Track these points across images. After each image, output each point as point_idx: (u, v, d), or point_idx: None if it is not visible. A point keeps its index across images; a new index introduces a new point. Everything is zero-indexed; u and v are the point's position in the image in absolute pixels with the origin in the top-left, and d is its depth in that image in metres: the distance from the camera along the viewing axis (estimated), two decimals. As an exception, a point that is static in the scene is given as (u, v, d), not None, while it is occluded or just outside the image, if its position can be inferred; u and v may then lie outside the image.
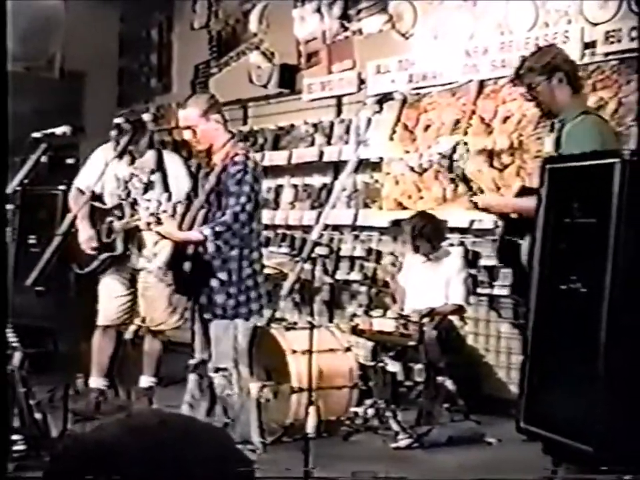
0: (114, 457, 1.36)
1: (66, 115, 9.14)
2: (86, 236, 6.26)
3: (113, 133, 5.25)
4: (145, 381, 6.60)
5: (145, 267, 6.37)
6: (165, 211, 4.82)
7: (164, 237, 5.09)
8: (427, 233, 6.86)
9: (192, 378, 5.25)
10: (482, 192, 6.43)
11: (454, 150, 5.78)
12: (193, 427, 1.51)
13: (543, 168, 4.07)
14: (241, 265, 4.99)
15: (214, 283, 4.96)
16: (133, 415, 1.54)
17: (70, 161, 8.64)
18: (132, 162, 6.43)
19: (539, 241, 3.97)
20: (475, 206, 4.93)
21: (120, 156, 6.34)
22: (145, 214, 4.81)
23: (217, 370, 5.03)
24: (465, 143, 7.34)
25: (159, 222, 4.82)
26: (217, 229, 4.87)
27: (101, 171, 5.40)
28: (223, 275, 4.97)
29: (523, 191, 4.83)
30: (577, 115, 4.51)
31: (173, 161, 6.51)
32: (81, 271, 6.36)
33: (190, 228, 5.03)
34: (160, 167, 6.37)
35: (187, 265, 4.95)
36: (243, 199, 4.92)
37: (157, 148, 6.55)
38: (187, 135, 5.20)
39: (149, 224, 4.73)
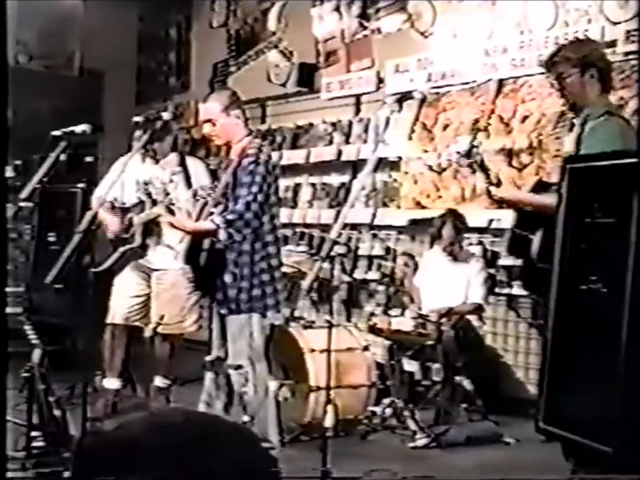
0: (139, 454, 1.36)
1: (85, 113, 9.15)
2: (109, 222, 6.27)
3: (137, 133, 5.26)
4: (159, 381, 6.62)
5: (163, 268, 6.40)
6: (179, 207, 4.84)
7: (176, 228, 5.11)
8: (459, 229, 6.88)
9: (209, 376, 5.25)
10: (499, 183, 6.43)
11: (474, 138, 5.77)
12: (218, 424, 1.51)
13: (564, 167, 4.05)
14: (252, 258, 4.98)
15: (227, 277, 4.96)
16: (156, 412, 1.54)
17: (89, 159, 8.64)
18: (155, 163, 6.47)
19: (559, 241, 3.95)
20: (490, 196, 4.92)
21: (143, 158, 6.38)
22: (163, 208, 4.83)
23: (234, 367, 5.03)
24: (485, 129, 7.35)
25: (171, 212, 4.82)
26: (229, 217, 4.86)
27: (120, 172, 5.41)
28: (235, 269, 4.97)
29: (539, 186, 4.80)
30: (601, 114, 4.48)
31: (194, 164, 6.55)
32: (96, 268, 6.38)
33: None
34: (183, 168, 6.39)
35: (202, 259, 4.96)
36: (254, 189, 4.92)
37: (180, 151, 6.59)
38: (207, 128, 5.21)
39: (129, 227, 4.75)
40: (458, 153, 5.34)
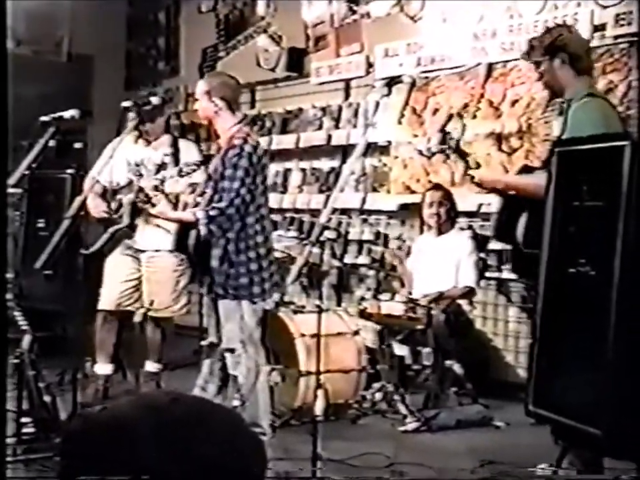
0: (127, 434, 1.37)
1: (74, 98, 9.13)
2: (95, 204, 6.25)
3: (131, 115, 5.25)
4: (150, 366, 6.62)
5: (151, 249, 6.39)
6: (163, 191, 4.86)
7: (157, 217, 5.13)
8: (445, 205, 6.88)
9: (206, 362, 5.26)
10: (479, 166, 6.43)
11: (445, 123, 5.76)
12: (205, 406, 1.52)
13: (552, 151, 4.06)
14: (238, 247, 5.00)
15: (214, 262, 4.99)
16: (144, 394, 1.55)
17: (78, 145, 8.63)
18: (147, 144, 6.45)
19: (547, 225, 3.95)
20: (471, 180, 4.93)
21: (135, 139, 6.37)
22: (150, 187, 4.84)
23: (227, 351, 5.05)
24: (460, 116, 7.35)
25: (151, 203, 4.84)
26: (211, 212, 4.89)
27: (110, 155, 5.41)
28: (222, 255, 4.99)
29: (524, 170, 4.82)
30: (582, 97, 4.50)
31: (187, 146, 6.53)
32: (86, 250, 6.36)
33: (194, 208, 5.05)
34: (174, 150, 6.38)
35: (190, 245, 4.98)
36: (236, 184, 4.93)
37: (172, 133, 6.57)
38: (196, 105, 5.26)
39: (119, 209, 4.75)
40: (440, 143, 5.37)
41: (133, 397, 1.51)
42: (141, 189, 5.66)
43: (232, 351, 5.00)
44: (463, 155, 5.20)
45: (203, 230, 4.89)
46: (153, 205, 5.48)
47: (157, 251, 6.39)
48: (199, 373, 5.30)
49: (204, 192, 5.09)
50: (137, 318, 6.65)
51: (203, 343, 5.25)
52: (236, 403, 4.92)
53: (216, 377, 5.22)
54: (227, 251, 4.99)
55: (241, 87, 5.39)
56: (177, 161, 6.23)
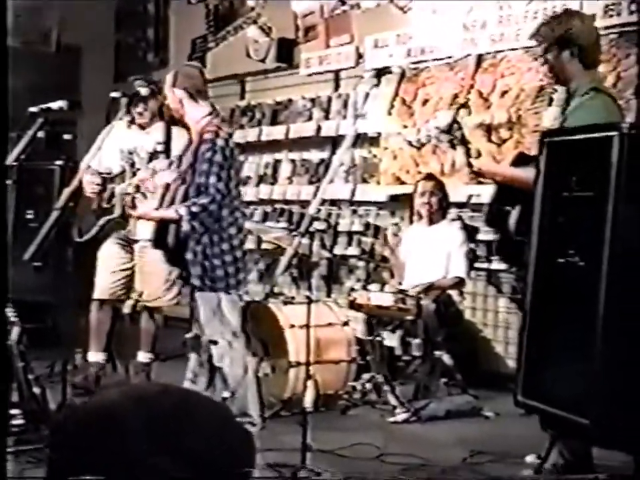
0: (115, 424, 1.37)
1: (63, 89, 9.10)
2: (89, 180, 6.21)
3: (123, 100, 5.23)
4: (143, 356, 6.62)
5: (144, 239, 6.37)
6: (146, 188, 4.85)
7: (141, 218, 5.14)
8: (437, 195, 6.88)
9: (192, 356, 5.26)
10: (479, 157, 6.43)
11: (456, 113, 5.73)
12: (193, 397, 1.52)
13: (542, 141, 4.06)
14: (213, 239, 5.01)
15: (189, 255, 4.99)
16: (133, 385, 1.55)
17: (67, 136, 8.61)
18: (140, 129, 6.43)
19: (537, 215, 3.97)
20: (470, 168, 4.94)
21: (128, 124, 6.34)
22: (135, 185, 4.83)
23: (210, 343, 5.06)
24: (465, 106, 7.34)
25: (132, 205, 4.82)
26: (193, 209, 4.89)
27: (102, 141, 5.38)
28: (197, 247, 5.00)
29: (520, 159, 4.81)
30: (586, 91, 4.48)
31: (179, 136, 6.50)
32: (80, 238, 6.35)
33: (172, 204, 5.04)
34: (167, 139, 6.35)
35: (170, 239, 4.97)
36: (212, 180, 4.94)
37: (167, 120, 6.54)
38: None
39: (111, 198, 4.74)
40: (437, 128, 5.35)
41: (122, 388, 1.50)
42: (127, 194, 5.66)
43: (214, 342, 5.01)
44: (466, 144, 5.19)
45: (185, 226, 4.89)
46: (134, 207, 5.48)
47: (149, 240, 6.38)
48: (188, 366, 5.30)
49: (181, 185, 5.07)
50: (126, 309, 6.64)
51: (188, 335, 5.24)
52: (225, 394, 4.92)
53: (205, 370, 5.21)
54: (202, 244, 5.00)
55: (205, 77, 5.34)
56: (168, 150, 6.21)
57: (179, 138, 6.39)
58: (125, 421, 1.40)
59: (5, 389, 3.70)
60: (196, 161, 5.01)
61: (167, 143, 6.29)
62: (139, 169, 6.09)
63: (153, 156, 6.18)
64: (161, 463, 1.38)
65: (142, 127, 6.46)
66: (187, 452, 1.40)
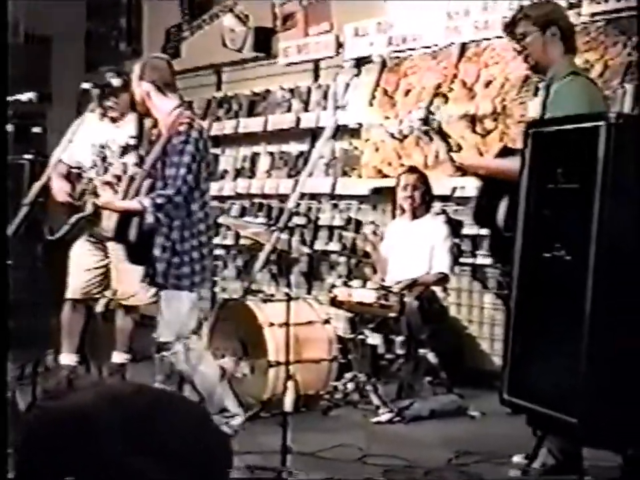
0: (89, 425, 1.37)
1: (32, 81, 9.06)
2: (59, 186, 6.21)
3: (95, 91, 5.21)
4: (118, 357, 6.60)
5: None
6: (108, 182, 4.84)
7: (103, 208, 5.12)
8: (420, 188, 6.88)
9: (158, 357, 5.26)
10: (460, 148, 6.45)
11: (429, 103, 5.74)
12: (168, 397, 1.52)
13: (527, 132, 4.07)
14: (183, 235, 5.00)
15: (156, 252, 4.98)
16: (107, 385, 1.54)
17: (36, 129, 8.58)
18: (112, 122, 6.40)
19: (521, 208, 3.98)
20: (452, 163, 4.94)
21: (100, 117, 6.32)
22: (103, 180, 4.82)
23: (163, 345, 5.06)
24: (444, 95, 7.35)
25: (95, 194, 4.81)
26: (158, 200, 4.89)
27: (74, 134, 5.36)
28: (165, 243, 4.99)
29: (504, 152, 4.83)
30: (565, 75, 4.50)
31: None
32: (51, 236, 6.33)
33: (135, 197, 5.04)
34: (139, 132, 6.33)
35: (132, 234, 4.96)
36: (182, 171, 4.93)
37: (139, 112, 6.52)
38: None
39: (83, 195, 4.73)
40: (420, 120, 5.36)
41: (96, 389, 1.50)
42: (90, 180, 5.64)
43: (167, 345, 5.02)
44: (444, 136, 5.20)
45: (150, 218, 4.88)
46: (98, 196, 5.46)
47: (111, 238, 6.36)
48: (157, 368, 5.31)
49: (147, 178, 5.06)
50: (99, 308, 6.62)
51: (154, 335, 5.23)
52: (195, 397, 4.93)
53: (174, 372, 5.22)
54: (171, 239, 4.99)
55: (173, 68, 5.34)
56: (141, 143, 6.19)
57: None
58: (99, 421, 1.40)
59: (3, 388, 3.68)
60: (165, 153, 5.01)
61: (140, 136, 6.27)
62: (111, 164, 6.07)
63: (125, 150, 6.17)
64: (136, 463, 1.38)
65: (114, 120, 6.43)
66: (162, 452, 1.41)
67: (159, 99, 5.16)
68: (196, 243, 5.05)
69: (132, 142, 6.14)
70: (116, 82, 5.25)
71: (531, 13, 4.65)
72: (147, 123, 6.39)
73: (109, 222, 6.17)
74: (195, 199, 5.01)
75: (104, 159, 6.18)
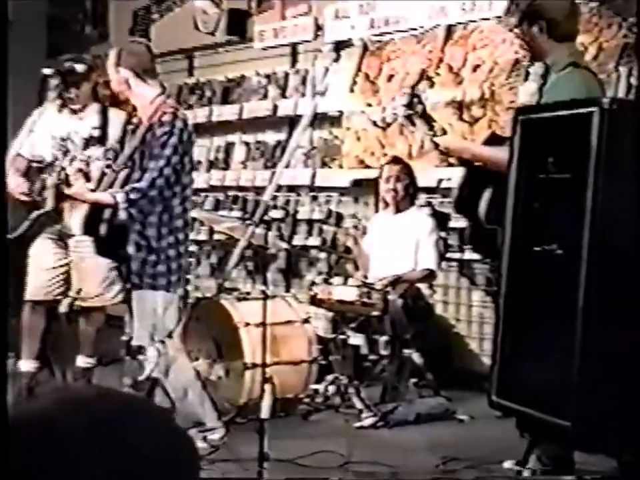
0: (48, 431, 1.36)
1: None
2: (17, 182, 6.18)
3: (53, 82, 5.19)
4: (82, 361, 6.57)
5: (79, 232, 6.32)
6: (80, 170, 4.83)
7: (74, 199, 5.10)
8: (404, 180, 6.89)
9: (127, 359, 5.25)
10: (445, 132, 6.45)
11: (414, 86, 5.73)
12: (133, 402, 1.52)
13: (516, 119, 4.09)
14: (160, 232, 4.99)
15: (131, 248, 4.97)
16: (68, 388, 1.54)
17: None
18: (73, 114, 6.37)
19: (510, 199, 3.99)
20: (436, 147, 4.96)
21: (59, 108, 6.29)
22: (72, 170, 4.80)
23: (137, 349, 5.05)
24: (429, 78, 7.36)
25: (68, 184, 4.80)
26: (131, 196, 4.87)
27: (32, 127, 5.35)
28: (141, 240, 4.98)
29: (492, 140, 4.84)
30: (564, 66, 4.51)
31: (116, 117, 6.45)
32: (9, 234, 6.30)
33: (109, 188, 5.02)
34: (103, 122, 6.31)
35: (103, 229, 4.95)
36: (161, 163, 4.92)
37: (102, 101, 6.49)
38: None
39: (57, 185, 4.72)
40: (404, 106, 5.36)
41: (57, 394, 1.50)
42: (62, 168, 5.61)
43: (142, 348, 5.01)
44: (428, 120, 5.21)
45: (122, 214, 4.86)
46: (69, 185, 5.43)
47: (85, 236, 6.34)
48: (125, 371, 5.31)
49: (124, 168, 5.04)
50: (63, 308, 6.60)
51: (124, 338, 5.23)
52: (166, 404, 4.93)
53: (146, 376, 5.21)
54: (146, 237, 4.98)
55: (152, 53, 5.33)
56: (105, 135, 6.17)
57: (116, 119, 6.35)
58: (61, 428, 1.40)
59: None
60: (144, 144, 4.99)
61: (104, 127, 6.24)
62: (74, 157, 6.04)
63: (88, 142, 6.14)
64: (100, 469, 1.38)
65: (75, 111, 6.39)
66: (127, 459, 1.41)
67: (139, 87, 5.14)
68: (173, 240, 5.04)
69: (95, 133, 6.11)
70: (79, 68, 5.24)
71: (519, 6, 4.69)
72: (112, 112, 6.38)
73: (71, 218, 6.17)
74: (174, 194, 4.99)
75: (66, 152, 6.15)
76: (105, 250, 5.13)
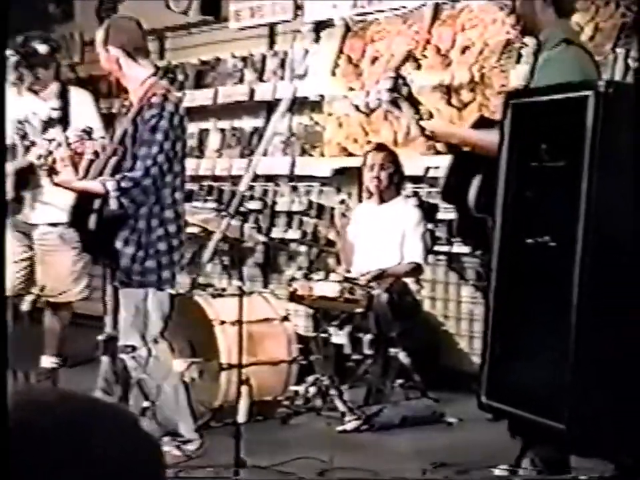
0: (9, 434, 1.36)
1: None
2: None
3: (13, 60, 5.15)
4: (47, 361, 6.55)
5: (44, 223, 6.30)
6: (69, 157, 4.79)
7: (61, 187, 5.06)
8: (389, 168, 6.89)
9: (104, 360, 5.23)
10: (431, 117, 6.46)
11: (399, 67, 5.72)
12: (96, 405, 1.52)
13: (506, 103, 4.09)
14: (150, 224, 4.97)
15: (119, 244, 4.94)
16: (27, 391, 1.53)
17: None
18: (34, 95, 6.34)
19: (501, 188, 4.00)
20: (422, 132, 4.96)
21: (18, 90, 6.26)
22: (39, 154, 4.77)
23: (125, 349, 5.03)
24: (415, 60, 7.36)
25: (53, 170, 4.77)
26: (123, 184, 4.83)
27: None
28: (130, 235, 4.95)
29: (481, 123, 4.84)
30: (557, 43, 4.52)
31: (79, 98, 6.42)
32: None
33: (99, 177, 4.98)
34: (63, 102, 6.28)
35: (92, 221, 4.92)
36: (154, 149, 4.89)
37: (62, 80, 6.45)
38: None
39: (41, 168, 4.68)
40: (389, 90, 5.36)
41: (14, 397, 1.50)
42: (49, 152, 5.58)
43: (132, 348, 4.99)
44: (413, 103, 5.20)
45: (113, 204, 4.84)
46: (55, 172, 5.40)
47: (50, 225, 6.31)
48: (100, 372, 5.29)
49: (114, 155, 5.02)
50: (25, 306, 6.58)
51: (101, 337, 5.21)
52: (145, 404, 4.92)
53: (120, 378, 5.20)
54: (136, 230, 4.95)
55: (144, 30, 5.31)
56: (66, 116, 6.14)
57: (78, 98, 6.32)
58: (22, 430, 1.40)
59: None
60: (136, 128, 4.97)
61: (64, 107, 6.21)
62: (32, 142, 6.00)
63: (47, 124, 6.11)
64: (63, 474, 1.38)
65: (36, 92, 6.36)
66: (91, 464, 1.41)
67: (130, 66, 5.11)
68: (163, 233, 5.00)
69: (55, 115, 6.07)
70: (42, 49, 5.21)
71: None
72: (74, 92, 6.34)
73: (33, 208, 6.14)
74: (166, 183, 4.97)
75: (24, 136, 6.11)
76: (91, 244, 5.10)
